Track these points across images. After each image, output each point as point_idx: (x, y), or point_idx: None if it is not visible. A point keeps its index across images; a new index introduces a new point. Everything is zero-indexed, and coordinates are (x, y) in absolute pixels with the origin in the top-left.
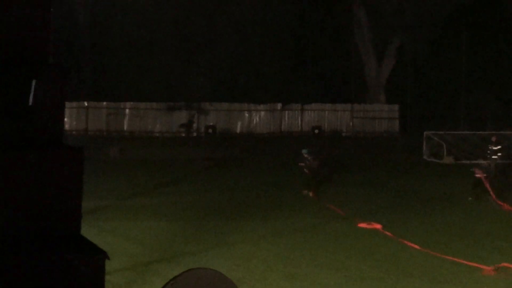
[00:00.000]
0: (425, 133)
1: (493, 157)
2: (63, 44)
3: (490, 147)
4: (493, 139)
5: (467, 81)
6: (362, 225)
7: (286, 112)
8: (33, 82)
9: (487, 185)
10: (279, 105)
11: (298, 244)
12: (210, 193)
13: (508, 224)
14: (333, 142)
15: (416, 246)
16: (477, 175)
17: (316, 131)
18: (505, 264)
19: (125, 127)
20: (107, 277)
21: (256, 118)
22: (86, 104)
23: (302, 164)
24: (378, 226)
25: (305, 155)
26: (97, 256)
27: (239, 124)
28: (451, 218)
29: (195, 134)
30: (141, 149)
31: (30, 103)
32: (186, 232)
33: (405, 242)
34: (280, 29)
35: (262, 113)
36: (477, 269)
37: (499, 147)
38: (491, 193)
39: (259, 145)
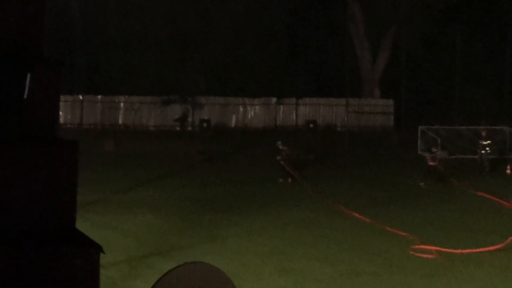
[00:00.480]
0: (419, 127)
1: (482, 151)
2: (58, 38)
3: (480, 142)
4: (483, 133)
5: (462, 75)
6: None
7: (281, 106)
8: (28, 76)
9: (441, 170)
10: (274, 100)
11: (292, 238)
12: (205, 187)
13: (502, 218)
14: (328, 137)
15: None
16: (430, 163)
17: (311, 125)
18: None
19: (120, 121)
20: (100, 271)
21: (251, 112)
22: (81, 97)
23: (279, 157)
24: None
25: (280, 147)
26: (92, 249)
27: (233, 118)
28: (446, 213)
29: (189, 128)
30: (136, 143)
31: (25, 97)
32: (181, 226)
33: (399, 232)
34: (274, 24)
35: (257, 107)
36: (471, 264)
37: (488, 141)
38: (451, 177)
39: (254, 139)
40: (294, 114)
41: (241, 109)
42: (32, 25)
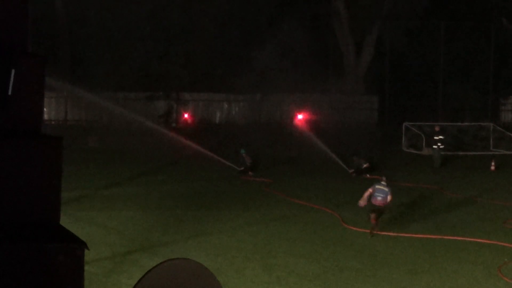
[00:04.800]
0: (404, 124)
1: (433, 146)
2: (41, 33)
3: (434, 137)
4: (436, 128)
5: (446, 71)
6: None
7: (265, 102)
8: (12, 72)
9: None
10: (258, 96)
11: (276, 235)
12: (188, 183)
13: (484, 215)
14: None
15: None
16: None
17: (295, 121)
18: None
19: (104, 117)
20: (85, 267)
21: (235, 108)
22: (65, 94)
23: (242, 168)
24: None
25: (243, 155)
26: (76, 245)
27: (218, 114)
28: (429, 209)
29: (174, 125)
30: (120, 139)
31: (9, 93)
32: (165, 222)
33: (382, 232)
34: (258, 19)
35: (241, 103)
36: (455, 260)
37: (440, 137)
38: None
39: (237, 135)
40: (278, 110)
41: (226, 105)
42: (15, 21)
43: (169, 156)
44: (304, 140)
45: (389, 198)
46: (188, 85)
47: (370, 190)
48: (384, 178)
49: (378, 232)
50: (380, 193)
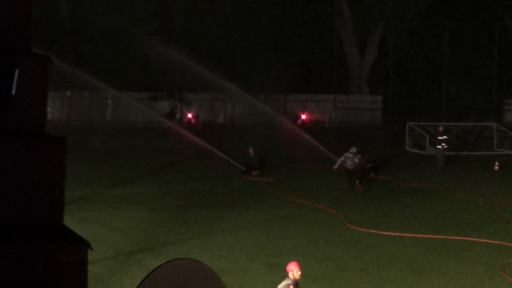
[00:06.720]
0: (408, 124)
1: (437, 146)
2: (45, 34)
3: (438, 137)
4: (440, 128)
5: (450, 71)
6: None
7: (269, 102)
8: (16, 72)
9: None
10: (262, 96)
11: (279, 234)
12: (192, 183)
13: (488, 214)
14: (316, 133)
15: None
16: (348, 168)
17: (299, 121)
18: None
19: (108, 117)
20: (88, 267)
21: (239, 108)
22: (68, 93)
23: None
24: None
25: (250, 151)
26: (80, 245)
27: (222, 114)
28: (432, 209)
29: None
30: (124, 139)
31: (13, 93)
32: (168, 222)
33: (386, 232)
34: (262, 19)
35: (246, 103)
36: (459, 260)
37: (444, 137)
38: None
39: (241, 135)
40: (282, 111)
41: (229, 105)
42: (19, 21)
43: (173, 155)
44: (307, 140)
45: (356, 160)
46: (191, 85)
47: (342, 157)
48: (354, 148)
49: (379, 232)
50: (348, 160)
